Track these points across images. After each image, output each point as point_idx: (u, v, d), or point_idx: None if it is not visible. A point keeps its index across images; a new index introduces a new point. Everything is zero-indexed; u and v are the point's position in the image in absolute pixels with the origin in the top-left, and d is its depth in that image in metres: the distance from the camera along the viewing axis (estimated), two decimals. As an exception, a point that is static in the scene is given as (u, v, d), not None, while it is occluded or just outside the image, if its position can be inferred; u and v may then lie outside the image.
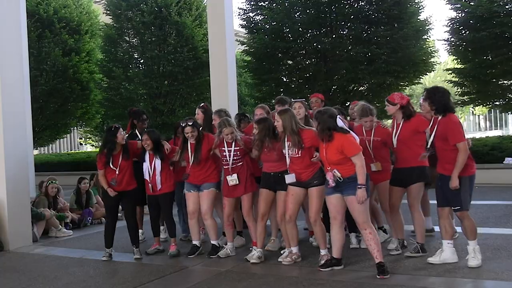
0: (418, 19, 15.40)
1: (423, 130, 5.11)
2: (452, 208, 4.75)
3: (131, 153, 5.90)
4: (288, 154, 5.05)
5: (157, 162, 5.81)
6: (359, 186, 4.54)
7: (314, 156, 5.00)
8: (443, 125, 4.70)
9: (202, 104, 6.73)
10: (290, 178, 5.05)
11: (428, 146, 4.95)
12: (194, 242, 5.87)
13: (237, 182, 5.47)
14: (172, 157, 5.88)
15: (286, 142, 5.06)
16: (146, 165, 5.86)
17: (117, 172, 5.80)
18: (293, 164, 5.06)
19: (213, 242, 5.75)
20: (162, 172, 5.82)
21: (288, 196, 5.14)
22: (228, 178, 5.51)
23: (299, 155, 5.00)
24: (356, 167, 4.58)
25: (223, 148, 5.52)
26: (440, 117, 4.75)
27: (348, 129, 4.84)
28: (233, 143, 5.48)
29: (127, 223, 5.99)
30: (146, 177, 5.87)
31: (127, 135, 6.35)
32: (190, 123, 5.67)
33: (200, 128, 5.81)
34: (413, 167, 5.07)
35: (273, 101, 7.62)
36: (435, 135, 4.78)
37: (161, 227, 6.67)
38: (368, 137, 5.43)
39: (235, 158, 5.48)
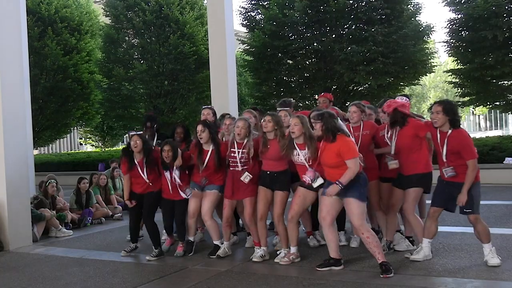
0: (417, 19, 15.40)
1: (423, 135, 5.02)
2: (465, 211, 4.72)
3: (153, 159, 5.83)
4: (300, 161, 5.02)
5: (176, 171, 5.75)
6: (337, 183, 4.56)
7: None
8: (455, 140, 4.67)
9: (211, 106, 6.67)
10: (319, 181, 4.94)
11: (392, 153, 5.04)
12: (189, 238, 5.91)
13: (250, 177, 5.37)
14: (188, 162, 5.82)
15: (298, 149, 5.03)
16: (168, 174, 5.77)
17: (148, 182, 5.82)
18: (302, 172, 5.04)
19: (215, 242, 5.74)
20: (182, 179, 5.78)
21: (295, 197, 5.15)
22: (242, 177, 5.41)
23: (310, 163, 4.98)
24: (348, 169, 4.58)
25: (232, 149, 5.45)
26: (450, 131, 4.71)
27: (349, 133, 4.86)
28: (243, 144, 5.40)
29: (145, 224, 6.01)
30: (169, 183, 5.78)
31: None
32: (202, 123, 5.67)
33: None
34: (410, 175, 5.05)
35: (275, 102, 7.43)
36: (446, 149, 4.72)
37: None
38: (356, 133, 5.43)
39: (242, 160, 5.41)
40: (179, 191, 5.75)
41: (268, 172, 5.29)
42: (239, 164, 5.41)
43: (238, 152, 5.41)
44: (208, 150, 5.62)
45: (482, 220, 4.79)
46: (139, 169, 5.84)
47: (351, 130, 5.41)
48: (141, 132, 6.13)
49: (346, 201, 4.69)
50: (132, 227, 6.10)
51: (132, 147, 5.82)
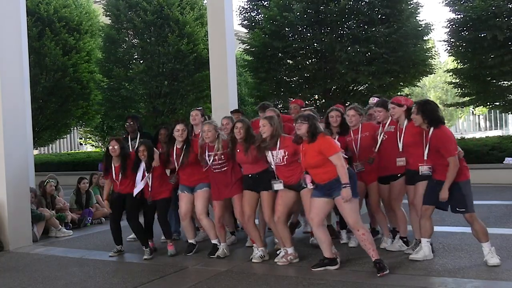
0: (417, 18, 15.41)
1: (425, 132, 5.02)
2: (458, 210, 4.76)
3: (129, 163, 5.94)
4: (273, 162, 5.11)
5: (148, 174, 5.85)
6: (344, 186, 4.57)
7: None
8: (435, 138, 4.73)
9: (200, 107, 6.83)
10: (277, 186, 5.12)
11: (376, 150, 5.26)
12: (190, 241, 5.95)
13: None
14: (168, 164, 5.89)
15: (269, 150, 5.13)
16: (139, 175, 5.85)
17: (118, 183, 5.95)
18: (279, 172, 5.12)
19: (213, 241, 5.76)
20: (158, 179, 5.86)
21: (277, 198, 5.19)
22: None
23: (285, 162, 5.07)
24: (337, 168, 4.61)
25: (210, 153, 5.52)
26: (432, 130, 4.76)
27: (328, 134, 4.96)
28: (215, 148, 5.47)
29: (130, 225, 6.04)
30: (139, 188, 5.82)
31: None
32: (181, 122, 5.79)
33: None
34: (417, 170, 5.06)
35: (275, 102, 7.53)
36: (429, 148, 4.79)
37: None
38: (355, 136, 5.46)
39: (214, 162, 5.48)
40: (136, 184, 5.84)
41: (250, 175, 5.35)
42: (218, 166, 5.49)
43: (209, 155, 5.49)
44: (180, 148, 5.74)
45: (478, 218, 4.79)
46: (113, 173, 5.97)
47: (351, 134, 5.46)
48: (119, 137, 6.28)
49: (336, 201, 4.71)
50: (113, 228, 6.11)
51: (110, 151, 5.93)
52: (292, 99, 15.98)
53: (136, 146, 6.04)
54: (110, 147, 5.94)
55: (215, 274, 5.03)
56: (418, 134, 5.01)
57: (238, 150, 5.31)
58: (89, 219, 8.58)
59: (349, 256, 5.28)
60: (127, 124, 7.07)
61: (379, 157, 5.46)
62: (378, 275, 4.55)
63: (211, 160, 5.50)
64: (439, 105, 5.43)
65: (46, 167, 17.76)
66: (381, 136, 5.39)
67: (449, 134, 4.77)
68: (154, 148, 5.93)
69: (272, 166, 5.16)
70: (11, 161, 6.84)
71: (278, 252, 5.40)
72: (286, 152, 5.06)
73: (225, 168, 5.50)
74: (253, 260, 5.33)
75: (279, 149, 5.09)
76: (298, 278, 4.71)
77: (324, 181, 4.72)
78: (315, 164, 4.72)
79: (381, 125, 5.49)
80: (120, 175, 5.92)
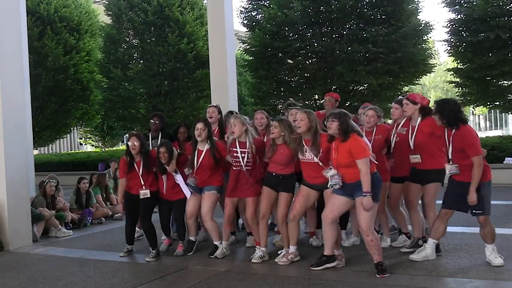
0: (417, 18, 15.41)
1: (439, 133, 4.94)
2: (474, 212, 4.70)
3: (151, 160, 5.85)
4: (308, 159, 4.99)
5: (177, 174, 5.78)
6: (364, 194, 4.50)
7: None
8: (458, 138, 4.64)
9: (216, 104, 6.65)
10: (331, 172, 4.78)
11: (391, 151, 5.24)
12: (190, 238, 5.93)
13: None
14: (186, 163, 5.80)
15: (304, 145, 5.02)
16: (164, 176, 5.83)
17: (142, 183, 5.81)
18: (309, 169, 5.03)
19: (215, 242, 5.74)
20: (174, 179, 5.79)
21: (298, 196, 5.12)
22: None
23: (319, 160, 4.96)
24: (361, 174, 4.51)
25: (234, 149, 5.44)
26: (454, 130, 4.68)
27: (362, 133, 4.84)
28: (247, 145, 5.37)
29: (142, 225, 6.01)
30: (183, 187, 5.78)
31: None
32: (203, 121, 5.68)
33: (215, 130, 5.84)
34: (430, 170, 5.05)
35: (275, 102, 7.41)
36: (452, 148, 4.73)
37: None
38: (368, 137, 5.44)
39: (248, 159, 5.38)
40: (182, 189, 5.75)
41: (274, 174, 5.27)
42: (242, 164, 5.39)
43: (241, 152, 5.39)
44: (203, 150, 5.62)
45: (490, 221, 4.77)
46: (136, 170, 5.85)
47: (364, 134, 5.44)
48: (139, 132, 6.11)
49: (357, 201, 4.63)
50: (129, 229, 6.06)
51: (130, 148, 5.83)
52: (291, 99, 16.00)
53: (157, 146, 5.87)
54: (130, 144, 5.82)
55: (215, 274, 5.02)
56: (430, 134, 5.01)
57: (281, 151, 5.16)
58: (89, 219, 8.58)
59: (349, 256, 5.27)
60: (152, 121, 6.81)
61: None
62: (378, 276, 4.55)
63: (245, 159, 5.36)
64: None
65: (46, 167, 17.77)
66: (394, 138, 5.37)
67: (473, 133, 4.68)
68: (174, 149, 5.77)
69: (315, 159, 4.95)
70: (11, 161, 6.83)
71: (279, 252, 5.40)
72: (320, 150, 4.95)
73: (249, 168, 5.42)
74: (253, 260, 5.33)
75: (311, 145, 4.97)
76: (298, 278, 4.71)
77: (350, 181, 4.65)
78: (346, 164, 4.61)
79: (395, 125, 5.46)
80: (141, 171, 5.80)
